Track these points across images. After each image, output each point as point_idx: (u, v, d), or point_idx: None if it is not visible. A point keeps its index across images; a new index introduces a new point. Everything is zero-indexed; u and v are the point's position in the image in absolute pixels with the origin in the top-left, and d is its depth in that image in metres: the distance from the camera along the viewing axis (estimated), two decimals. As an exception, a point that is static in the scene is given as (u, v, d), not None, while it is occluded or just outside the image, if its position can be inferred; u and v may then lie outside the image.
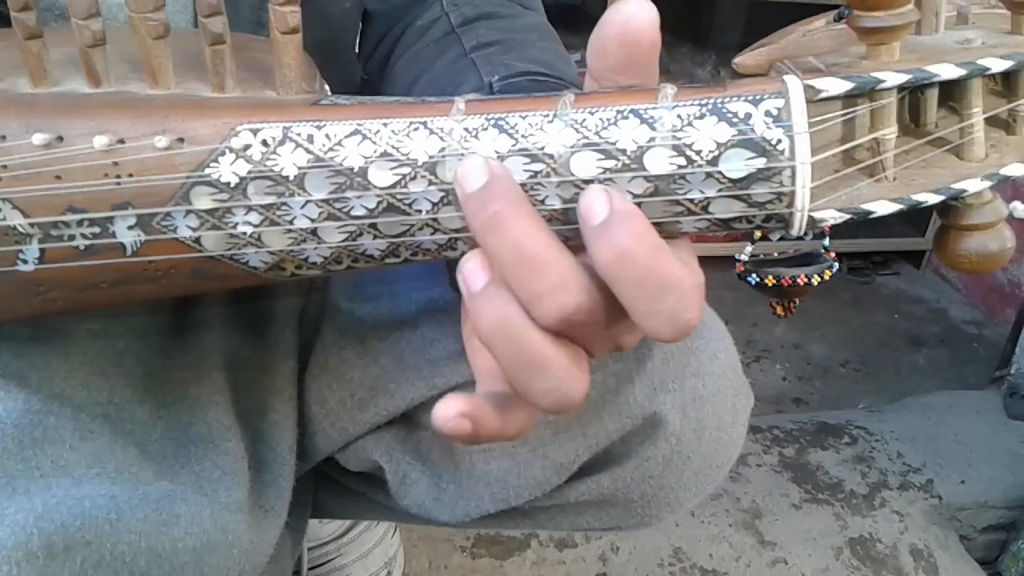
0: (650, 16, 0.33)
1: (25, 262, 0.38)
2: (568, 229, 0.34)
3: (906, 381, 1.78)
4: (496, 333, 0.33)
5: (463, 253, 0.37)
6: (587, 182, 0.33)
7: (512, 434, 0.36)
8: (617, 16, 0.33)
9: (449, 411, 0.34)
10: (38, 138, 0.36)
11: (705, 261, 0.35)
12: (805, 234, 0.34)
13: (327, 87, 0.42)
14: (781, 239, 0.38)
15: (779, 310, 0.46)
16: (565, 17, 1.90)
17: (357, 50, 0.69)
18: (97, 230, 0.37)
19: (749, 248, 0.42)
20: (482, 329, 0.33)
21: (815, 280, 0.41)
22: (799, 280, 0.41)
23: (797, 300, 0.44)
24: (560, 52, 0.59)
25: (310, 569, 0.98)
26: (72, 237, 0.37)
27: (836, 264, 0.42)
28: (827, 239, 0.42)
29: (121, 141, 0.36)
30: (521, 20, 0.62)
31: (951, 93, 0.34)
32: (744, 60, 0.40)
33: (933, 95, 0.34)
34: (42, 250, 0.38)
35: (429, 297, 0.60)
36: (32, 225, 0.37)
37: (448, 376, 0.57)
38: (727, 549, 1.27)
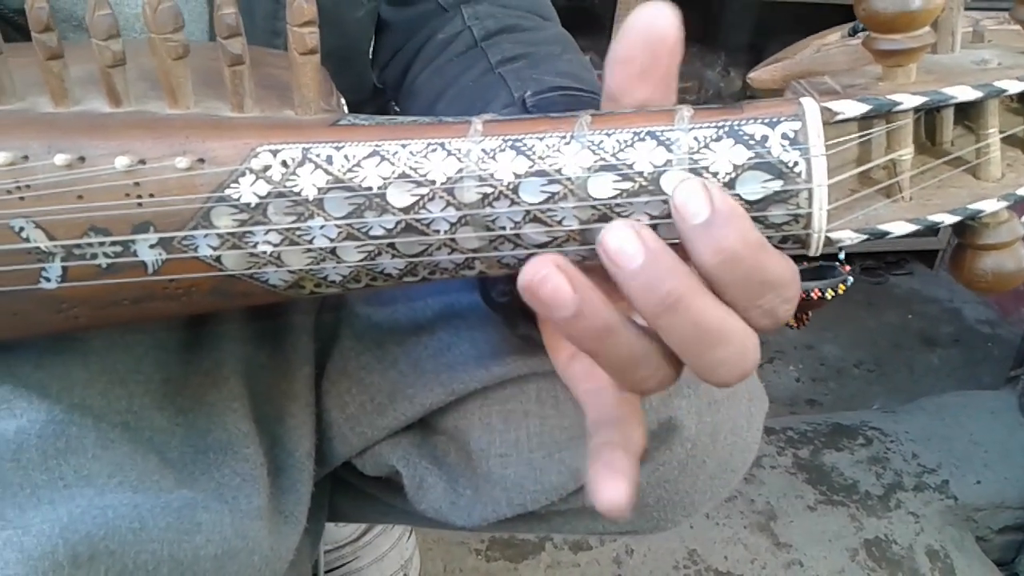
0: (672, 16, 0.33)
1: (48, 280, 0.39)
2: (586, 250, 0.34)
3: (920, 381, 1.77)
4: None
5: (480, 272, 0.37)
6: (604, 204, 0.33)
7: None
8: (640, 18, 0.33)
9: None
10: (60, 158, 0.36)
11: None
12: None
13: (343, 102, 0.43)
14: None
15: (792, 321, 0.46)
16: (574, 19, 1.90)
17: (371, 58, 0.69)
18: (119, 249, 0.37)
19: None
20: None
21: (829, 294, 0.42)
22: (813, 294, 0.41)
23: (810, 312, 0.44)
24: (584, 63, 0.60)
25: (326, 572, 0.99)
26: (94, 256, 0.38)
27: (851, 278, 0.42)
28: (843, 252, 0.42)
29: (142, 161, 0.36)
30: (543, 32, 0.62)
31: (967, 112, 0.34)
32: (759, 75, 0.41)
33: (949, 115, 0.34)
34: (64, 268, 0.38)
35: (445, 302, 0.60)
36: (55, 244, 0.38)
37: (466, 382, 0.57)
38: (742, 551, 1.27)
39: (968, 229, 0.35)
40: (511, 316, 0.49)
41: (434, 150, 0.34)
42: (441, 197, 0.34)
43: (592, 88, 0.52)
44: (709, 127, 0.32)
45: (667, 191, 0.32)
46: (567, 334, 0.33)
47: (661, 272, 0.31)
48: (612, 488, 0.33)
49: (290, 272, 0.37)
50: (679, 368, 0.35)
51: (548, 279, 0.31)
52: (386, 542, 1.03)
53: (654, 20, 0.33)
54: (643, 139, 0.33)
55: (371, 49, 0.68)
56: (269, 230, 0.36)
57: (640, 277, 0.31)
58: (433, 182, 0.34)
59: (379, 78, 0.70)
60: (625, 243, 0.31)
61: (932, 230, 0.33)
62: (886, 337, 1.92)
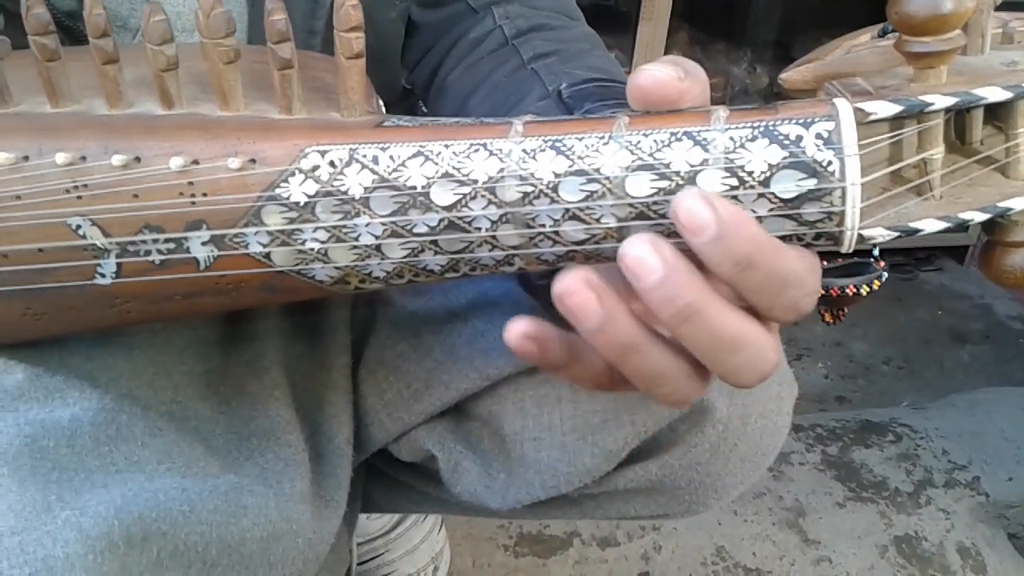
0: (664, 75, 0.35)
1: (103, 276, 0.40)
2: None
3: (950, 378, 1.76)
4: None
5: (520, 269, 0.38)
6: (642, 202, 0.34)
7: (583, 375, 0.38)
8: (637, 92, 0.35)
9: (515, 329, 0.36)
10: (117, 159, 0.38)
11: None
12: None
13: (381, 103, 0.44)
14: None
15: (827, 317, 0.47)
16: (598, 17, 1.90)
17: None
18: (172, 246, 0.39)
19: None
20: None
21: (864, 290, 0.42)
22: (848, 290, 0.42)
23: (846, 309, 0.44)
24: (612, 59, 0.61)
25: (359, 564, 1.00)
26: (148, 252, 0.39)
27: (885, 274, 0.43)
28: (877, 249, 0.43)
29: (195, 162, 0.38)
30: (573, 31, 0.64)
31: (996, 112, 0.35)
32: (790, 76, 0.41)
33: (979, 115, 0.35)
34: (119, 265, 0.40)
35: (478, 290, 0.61)
36: (110, 241, 0.39)
37: (500, 367, 0.58)
38: (771, 548, 1.27)
39: (997, 226, 0.35)
40: (550, 300, 0.50)
41: (476, 150, 0.36)
42: (483, 196, 0.35)
43: (623, 81, 0.54)
44: (744, 127, 0.33)
45: (704, 190, 0.33)
46: (594, 345, 0.35)
47: (679, 285, 0.32)
48: (520, 334, 0.37)
49: (336, 268, 0.38)
50: (703, 384, 0.36)
51: (576, 292, 0.34)
52: (417, 535, 1.04)
53: (648, 93, 0.35)
54: (680, 139, 0.34)
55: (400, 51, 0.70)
56: (317, 228, 0.37)
57: (659, 290, 0.32)
58: (475, 181, 0.35)
59: (407, 79, 0.71)
60: (644, 257, 0.32)
61: (962, 227, 0.34)
62: (916, 333, 1.90)
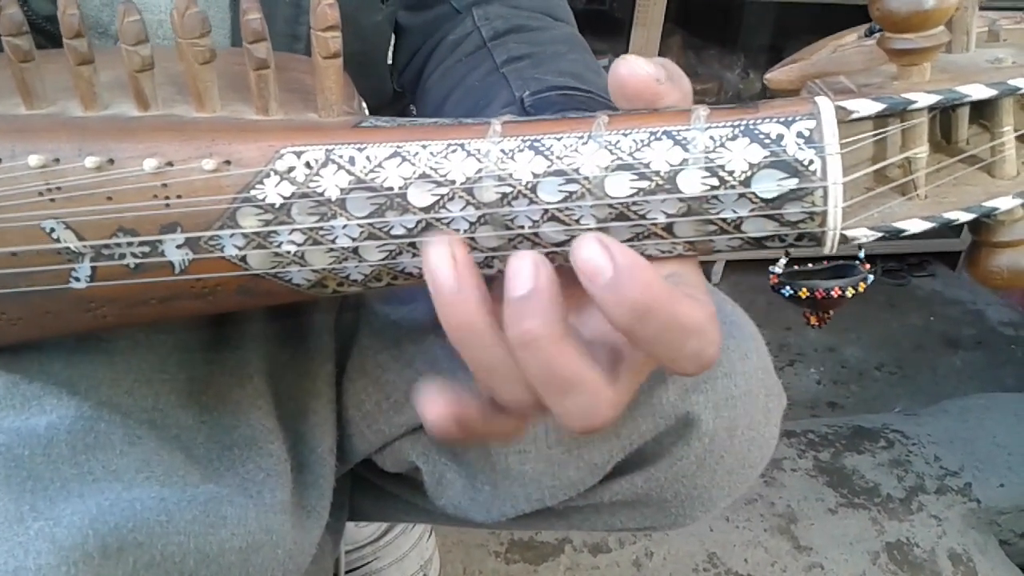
0: (643, 71, 0.34)
1: (77, 280, 0.40)
2: None
3: (943, 384, 1.76)
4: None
5: (499, 271, 0.37)
6: (621, 202, 0.34)
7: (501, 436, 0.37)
8: (615, 80, 0.35)
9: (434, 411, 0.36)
10: (91, 161, 0.37)
11: (738, 265, 0.36)
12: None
13: (364, 105, 0.43)
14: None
15: (813, 320, 0.46)
16: (592, 22, 1.91)
17: (390, 62, 0.70)
18: (147, 249, 0.38)
19: (783, 261, 0.42)
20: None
21: (849, 292, 0.42)
22: (833, 293, 0.42)
23: (831, 311, 0.44)
24: (590, 63, 0.60)
25: (347, 572, 1.00)
26: (123, 256, 0.39)
27: (871, 276, 0.42)
28: (862, 251, 0.43)
29: (170, 163, 0.37)
30: (551, 32, 0.63)
31: (982, 111, 0.34)
32: (775, 76, 0.41)
33: (964, 113, 0.34)
34: (94, 268, 0.39)
35: None
36: (84, 244, 0.39)
37: None
38: (762, 554, 1.27)
39: (983, 226, 0.35)
40: None
41: (454, 151, 0.35)
42: (461, 197, 0.35)
43: (595, 89, 0.53)
44: (725, 126, 0.33)
45: (683, 190, 0.33)
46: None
47: (529, 309, 0.32)
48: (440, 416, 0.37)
49: (313, 271, 0.38)
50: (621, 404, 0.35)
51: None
52: (406, 543, 1.04)
53: (625, 83, 0.35)
54: (659, 139, 0.33)
55: (390, 54, 0.69)
56: (293, 230, 0.37)
57: (510, 308, 0.32)
58: (453, 182, 0.35)
59: (398, 82, 0.71)
60: (520, 272, 0.32)
61: (954, 232, 0.34)
62: (908, 339, 1.91)
